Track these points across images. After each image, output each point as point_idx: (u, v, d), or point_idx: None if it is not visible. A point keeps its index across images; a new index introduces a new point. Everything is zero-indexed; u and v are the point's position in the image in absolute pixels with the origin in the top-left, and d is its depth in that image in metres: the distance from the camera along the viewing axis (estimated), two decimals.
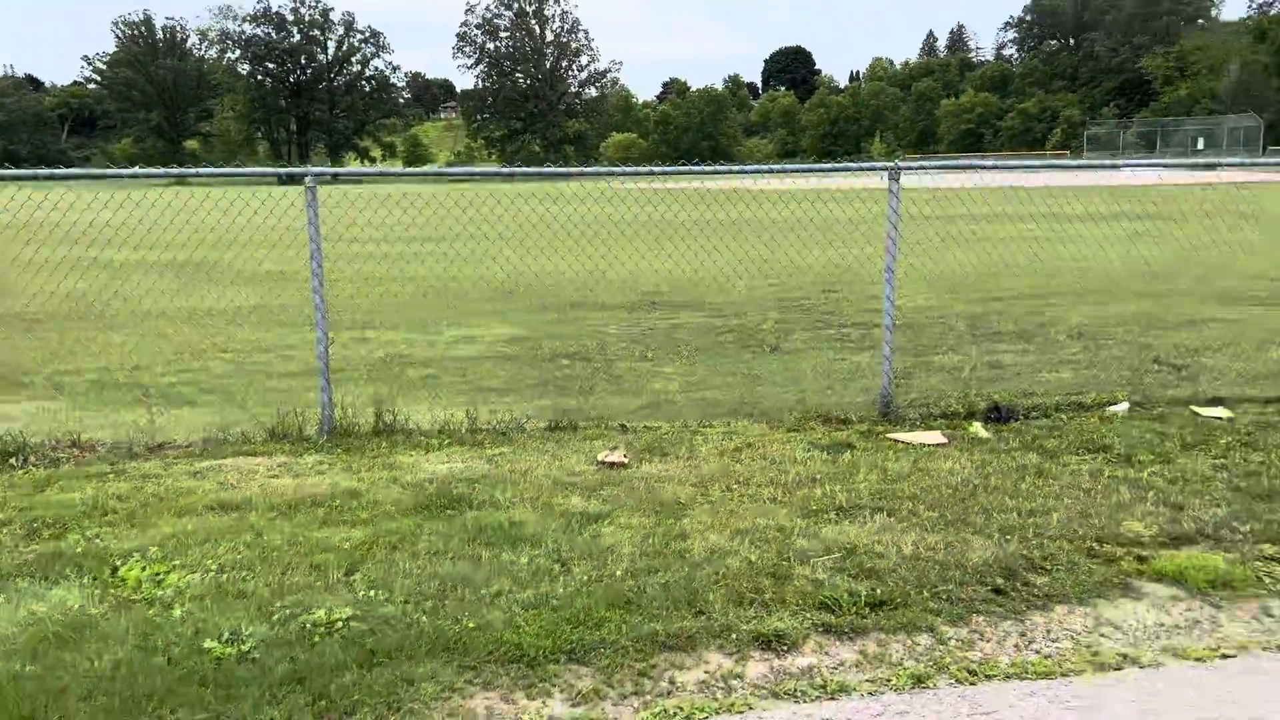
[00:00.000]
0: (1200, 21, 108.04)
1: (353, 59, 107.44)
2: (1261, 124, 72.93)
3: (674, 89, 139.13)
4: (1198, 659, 3.37)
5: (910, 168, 6.37)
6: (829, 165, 6.58)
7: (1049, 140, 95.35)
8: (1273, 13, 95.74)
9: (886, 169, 6.39)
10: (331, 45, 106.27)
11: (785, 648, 3.40)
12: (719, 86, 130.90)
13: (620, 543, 4.24)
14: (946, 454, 5.64)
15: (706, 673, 3.26)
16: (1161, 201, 25.92)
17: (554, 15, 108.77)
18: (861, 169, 6.62)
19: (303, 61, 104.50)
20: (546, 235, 14.91)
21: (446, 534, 4.33)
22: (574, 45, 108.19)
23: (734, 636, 3.45)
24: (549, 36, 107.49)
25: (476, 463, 5.43)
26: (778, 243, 15.14)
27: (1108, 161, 7.17)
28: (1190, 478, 5.15)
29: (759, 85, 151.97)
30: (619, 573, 3.91)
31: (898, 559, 4.08)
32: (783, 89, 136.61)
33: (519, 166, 6.14)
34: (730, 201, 19.74)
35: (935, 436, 6.03)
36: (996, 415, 6.52)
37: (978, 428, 6.27)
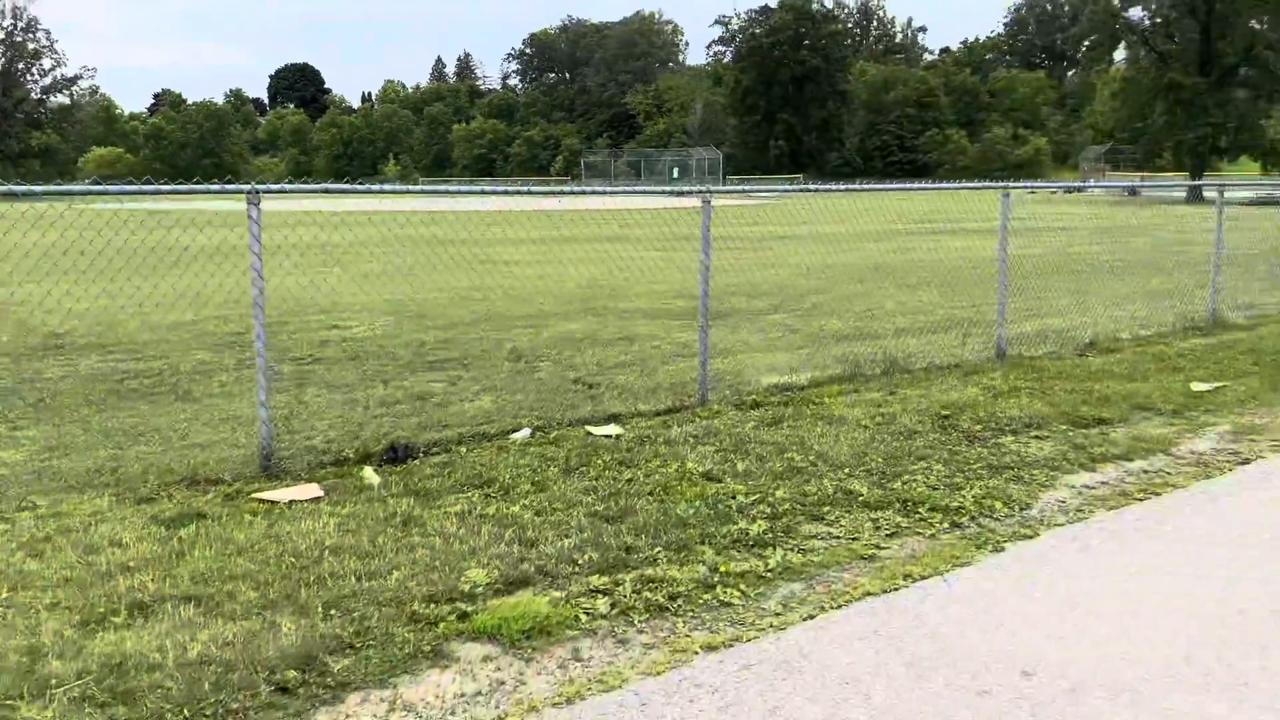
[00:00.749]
0: (671, 65, 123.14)
1: None
2: (721, 156, 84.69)
3: (167, 101, 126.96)
4: None
5: (271, 190, 5.72)
6: (185, 187, 5.67)
7: (553, 166, 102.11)
8: (725, 60, 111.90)
9: (245, 192, 5.67)
10: None
11: None
12: (220, 101, 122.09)
13: None
14: (316, 511, 5.05)
15: None
16: (632, 224, 28.47)
17: (3, 9, 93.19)
18: (221, 191, 5.84)
19: None
20: None
21: None
22: (31, 46, 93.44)
23: None
24: None
25: None
26: (241, 271, 13.74)
27: (497, 188, 7.17)
28: (557, 506, 5.10)
29: (265, 101, 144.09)
30: None
31: (175, 667, 3.35)
32: (292, 106, 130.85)
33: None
34: (210, 226, 17.83)
35: (312, 490, 5.43)
36: (393, 456, 6.10)
37: (369, 473, 5.79)
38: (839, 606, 3.99)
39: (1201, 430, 6.71)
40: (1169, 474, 5.75)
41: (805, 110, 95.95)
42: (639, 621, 3.86)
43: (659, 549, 4.53)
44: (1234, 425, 6.81)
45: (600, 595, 4.05)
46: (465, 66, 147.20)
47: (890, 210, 36.69)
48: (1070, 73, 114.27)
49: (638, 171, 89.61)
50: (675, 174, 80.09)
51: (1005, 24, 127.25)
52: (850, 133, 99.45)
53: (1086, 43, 70.35)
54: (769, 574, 4.31)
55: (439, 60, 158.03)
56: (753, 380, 8.38)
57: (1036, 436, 6.51)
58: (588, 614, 3.89)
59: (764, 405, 7.43)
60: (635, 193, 7.92)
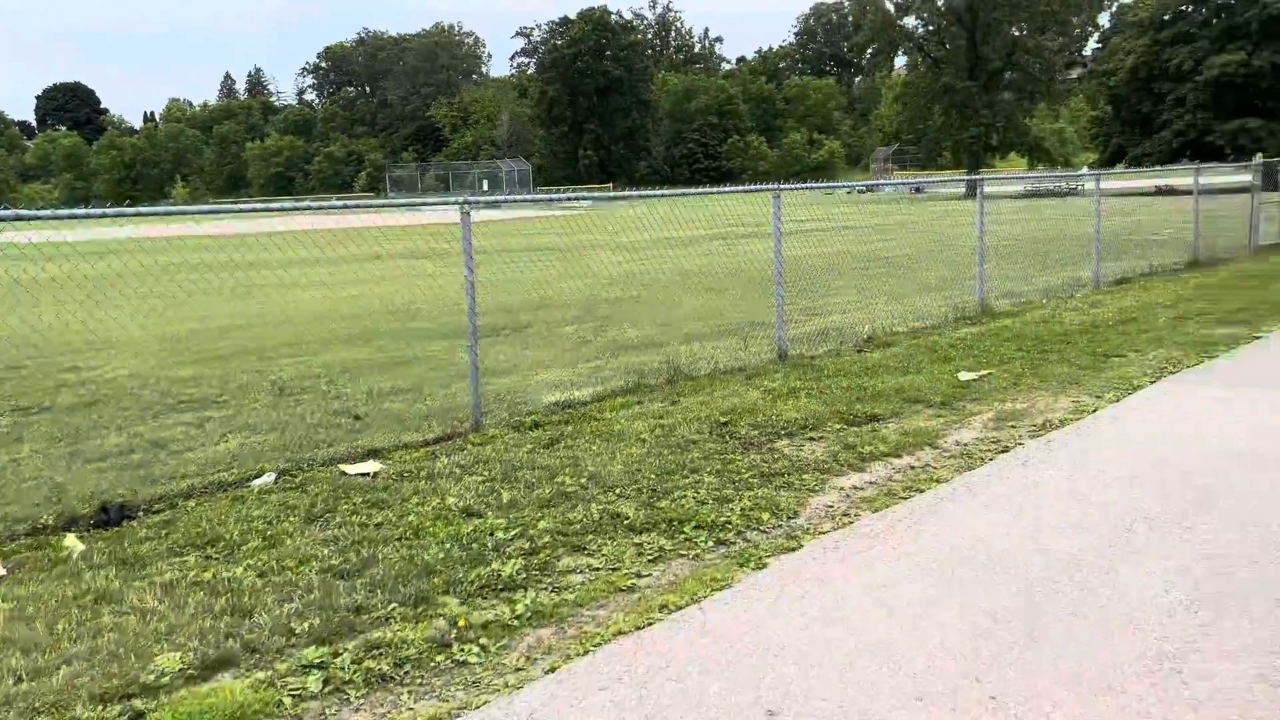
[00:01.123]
0: (475, 76, 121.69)
1: None
2: (530, 167, 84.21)
3: None
4: None
5: None
6: None
7: (357, 182, 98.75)
8: (529, 72, 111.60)
9: None
10: None
11: None
12: None
13: None
14: None
15: None
16: (443, 239, 27.57)
17: None
18: None
19: None
20: None
21: None
22: None
23: None
24: None
25: None
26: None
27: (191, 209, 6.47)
28: (287, 564, 4.51)
29: (34, 124, 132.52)
30: None
31: None
32: (64, 129, 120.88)
33: None
34: None
35: None
36: (105, 519, 5.32)
37: (72, 541, 5.00)
38: (587, 652, 3.62)
39: (967, 420, 6.81)
40: (934, 468, 5.75)
41: (611, 120, 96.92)
42: (356, 698, 3.36)
43: (394, 605, 4.03)
44: (997, 412, 6.96)
45: (314, 670, 3.52)
46: (256, 82, 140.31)
47: (699, 217, 37.29)
48: (857, 79, 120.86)
49: (446, 184, 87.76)
50: (485, 186, 78.98)
51: (796, 33, 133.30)
52: (656, 142, 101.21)
53: (869, 50, 74.44)
54: (516, 621, 3.91)
55: (228, 76, 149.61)
56: (535, 399, 7.98)
57: (811, 438, 6.41)
58: (295, 696, 3.36)
59: (544, 425, 7.05)
60: (377, 207, 7.36)
